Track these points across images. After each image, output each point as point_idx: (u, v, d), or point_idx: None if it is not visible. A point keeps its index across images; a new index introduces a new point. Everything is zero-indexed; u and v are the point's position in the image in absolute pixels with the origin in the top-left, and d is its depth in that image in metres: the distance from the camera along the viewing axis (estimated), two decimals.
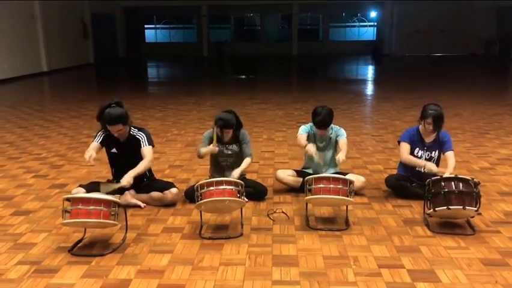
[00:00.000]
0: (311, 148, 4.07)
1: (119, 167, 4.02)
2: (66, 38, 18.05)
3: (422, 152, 4.16)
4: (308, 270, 2.98)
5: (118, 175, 3.93)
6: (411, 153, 4.17)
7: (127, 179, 3.72)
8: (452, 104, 9.01)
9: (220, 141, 4.17)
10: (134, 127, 4.07)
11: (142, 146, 3.95)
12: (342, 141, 4.29)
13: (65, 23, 18.12)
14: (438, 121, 4.01)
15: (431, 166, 4.02)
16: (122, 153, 3.99)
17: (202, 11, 25.05)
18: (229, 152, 4.24)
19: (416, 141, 4.19)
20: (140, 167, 3.84)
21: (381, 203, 4.11)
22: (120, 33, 24.07)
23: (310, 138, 4.31)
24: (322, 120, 4.14)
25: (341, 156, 4.06)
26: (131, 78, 17.54)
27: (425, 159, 4.14)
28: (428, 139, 4.17)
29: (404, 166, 4.28)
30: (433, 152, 4.16)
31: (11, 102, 10.49)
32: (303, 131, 4.34)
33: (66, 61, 17.99)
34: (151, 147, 3.99)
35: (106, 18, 22.19)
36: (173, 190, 4.06)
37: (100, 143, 3.96)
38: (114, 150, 4.00)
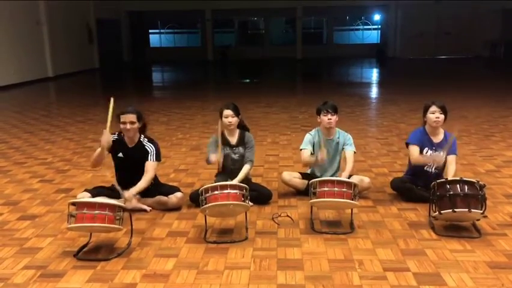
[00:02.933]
0: (323, 155, 4.03)
1: (123, 172, 4.07)
2: (71, 43, 18.17)
3: (432, 152, 4.14)
4: (313, 273, 2.97)
5: (121, 180, 3.94)
6: (420, 153, 4.15)
7: (129, 195, 3.73)
8: (457, 106, 8.97)
9: (228, 144, 4.18)
10: (146, 137, 4.11)
11: (149, 159, 3.99)
12: (349, 153, 4.29)
13: (70, 28, 18.24)
14: (441, 107, 4.06)
15: (437, 156, 3.93)
16: (128, 159, 4.01)
17: (206, 16, 25.17)
18: (237, 156, 4.23)
19: (424, 142, 4.17)
20: (141, 184, 3.89)
21: (386, 206, 4.10)
22: (125, 38, 24.22)
23: (316, 146, 4.29)
24: (330, 103, 4.25)
25: (343, 174, 4.12)
26: (136, 83, 17.61)
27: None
28: (436, 139, 4.16)
29: (412, 169, 4.26)
30: (441, 152, 4.13)
31: (17, 108, 10.54)
32: (306, 143, 4.31)
33: (71, 66, 18.10)
34: (156, 163, 4.05)
35: (111, 23, 22.32)
36: (178, 194, 4.07)
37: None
38: (120, 154, 4.03)
